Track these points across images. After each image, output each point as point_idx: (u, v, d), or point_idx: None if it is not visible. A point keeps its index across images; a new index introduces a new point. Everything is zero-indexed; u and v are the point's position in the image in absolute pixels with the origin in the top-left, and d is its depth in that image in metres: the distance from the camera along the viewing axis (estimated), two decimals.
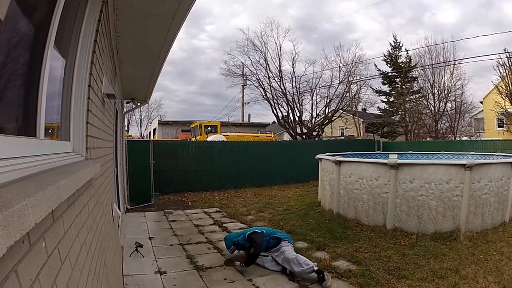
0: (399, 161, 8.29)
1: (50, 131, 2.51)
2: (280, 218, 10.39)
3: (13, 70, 1.66)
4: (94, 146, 3.34)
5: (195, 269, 6.40)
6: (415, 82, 33.93)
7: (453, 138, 29.76)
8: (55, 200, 1.33)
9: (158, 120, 42.16)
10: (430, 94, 31.55)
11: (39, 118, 1.91)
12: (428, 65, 31.52)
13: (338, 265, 6.39)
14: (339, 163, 9.90)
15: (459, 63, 30.06)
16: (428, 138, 30.29)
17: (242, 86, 36.04)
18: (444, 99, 30.83)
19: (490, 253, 6.56)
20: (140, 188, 12.92)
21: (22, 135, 1.74)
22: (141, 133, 57.80)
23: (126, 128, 55.21)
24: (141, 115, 63.89)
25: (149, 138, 43.75)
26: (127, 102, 12.51)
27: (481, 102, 37.41)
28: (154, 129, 43.04)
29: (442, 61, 30.68)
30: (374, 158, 10.70)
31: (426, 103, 31.84)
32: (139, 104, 12.37)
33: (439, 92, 30.93)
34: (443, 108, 30.92)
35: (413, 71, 33.88)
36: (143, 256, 6.95)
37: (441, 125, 31.58)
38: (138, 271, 6.24)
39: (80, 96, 2.89)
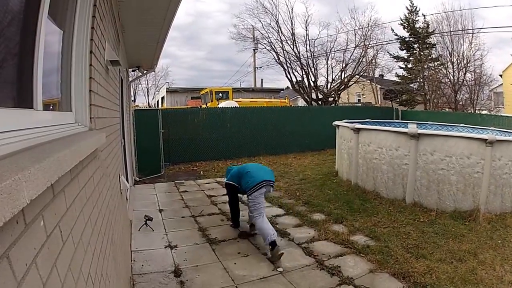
0: (420, 131, 8.17)
1: (51, 105, 2.47)
2: (297, 188, 10.41)
3: (3, 36, 1.60)
4: (98, 116, 3.30)
5: (207, 242, 6.46)
6: (434, 49, 33.26)
7: (472, 111, 29.32)
8: (54, 173, 1.27)
9: (166, 88, 42.02)
10: (449, 63, 30.95)
11: (36, 88, 1.84)
12: (446, 32, 30.77)
13: (356, 240, 6.41)
14: (357, 130, 9.80)
15: (477, 33, 29.36)
16: (446, 109, 29.87)
17: (253, 50, 35.54)
18: (464, 69, 30.23)
19: (508, 239, 6.47)
20: (149, 159, 12.97)
21: (17, 107, 1.69)
22: (148, 103, 57.67)
23: (132, 98, 55.31)
24: (147, 84, 63.61)
25: (157, 107, 43.70)
26: (133, 71, 12.41)
27: (501, 76, 36.61)
28: (162, 98, 42.96)
29: (460, 29, 30.03)
30: (393, 127, 10.58)
31: (445, 71, 31.28)
32: (145, 72, 12.28)
33: (458, 61, 30.34)
34: (463, 78, 30.38)
35: (431, 38, 33.14)
36: (153, 230, 7.03)
37: (460, 96, 31.08)
38: (147, 246, 6.31)
39: (82, 64, 2.82)
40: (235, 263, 5.59)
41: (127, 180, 9.08)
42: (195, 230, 7.15)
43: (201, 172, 13.79)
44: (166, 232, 7.00)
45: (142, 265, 5.54)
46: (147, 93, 62.41)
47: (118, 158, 5.42)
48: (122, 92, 8.88)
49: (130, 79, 13.13)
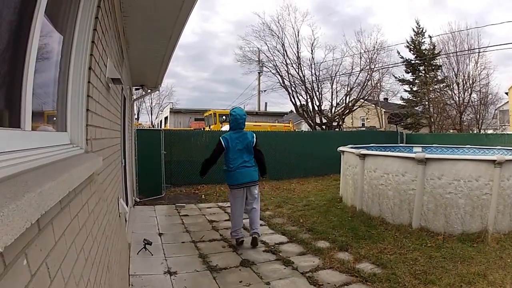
0: (428, 156, 8.00)
1: (42, 120, 2.31)
2: (300, 215, 10.16)
3: None
4: (96, 137, 3.14)
5: (208, 270, 6.22)
6: (439, 70, 33.38)
7: (477, 131, 29.22)
8: (36, 210, 1.10)
9: (170, 108, 41.88)
10: (454, 84, 31.00)
11: (25, 104, 1.65)
12: (452, 53, 30.98)
13: (362, 268, 6.16)
14: (363, 156, 9.62)
15: (483, 51, 29.49)
16: (451, 131, 29.77)
17: (258, 73, 35.65)
18: (469, 89, 30.28)
19: None
20: (150, 180, 12.78)
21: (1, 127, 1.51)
22: (151, 122, 57.75)
23: (136, 116, 55.37)
24: (151, 102, 64.03)
25: (160, 126, 43.55)
26: (136, 89, 12.29)
27: (506, 93, 36.62)
28: (166, 118, 42.80)
29: (467, 49, 30.06)
30: (398, 151, 10.41)
31: (450, 93, 31.27)
32: (149, 90, 12.18)
33: (464, 82, 30.36)
34: (468, 99, 30.35)
35: (437, 59, 33.31)
36: (152, 255, 6.80)
37: (466, 117, 31.01)
38: (146, 270, 6.09)
39: (79, 80, 2.66)
40: None
41: (127, 201, 8.91)
42: (195, 256, 6.92)
43: (203, 195, 13.57)
44: (165, 257, 6.77)
45: None
46: (151, 112, 62.75)
47: (117, 180, 5.25)
48: (125, 110, 8.74)
49: (134, 97, 12.99)
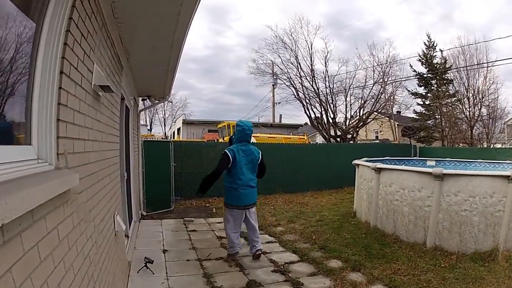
0: (445, 171, 7.59)
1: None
2: (313, 231, 9.76)
3: None
4: (75, 151, 2.79)
5: None
6: (451, 85, 33.08)
7: (487, 145, 28.81)
8: None
9: (183, 119, 41.80)
10: (465, 99, 30.65)
11: None
12: (463, 67, 30.70)
13: None
14: (379, 170, 9.22)
15: (492, 66, 29.23)
16: (461, 145, 29.32)
17: (273, 85, 35.57)
18: (479, 104, 29.92)
19: None
20: (159, 192, 12.42)
21: None
22: (165, 133, 57.79)
23: (148, 128, 55.46)
24: (164, 114, 64.29)
25: (173, 138, 43.51)
26: (143, 99, 11.99)
27: None
28: (178, 129, 42.78)
29: (476, 63, 29.80)
30: (412, 165, 9.98)
31: (461, 107, 30.93)
32: (156, 101, 11.86)
33: (474, 96, 30.02)
34: (478, 113, 29.97)
35: (448, 73, 33.09)
36: (153, 273, 6.41)
37: (475, 131, 30.64)
38: None
39: (48, 86, 2.32)
40: None
41: (131, 216, 8.61)
42: (199, 276, 6.51)
43: (213, 209, 13.23)
44: (167, 277, 6.38)
45: None
46: (164, 123, 62.93)
47: (114, 195, 4.91)
48: (128, 121, 8.45)
49: (141, 107, 12.70)
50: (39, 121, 2.27)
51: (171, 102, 61.25)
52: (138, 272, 6.37)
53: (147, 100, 11.60)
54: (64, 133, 2.52)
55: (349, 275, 6.50)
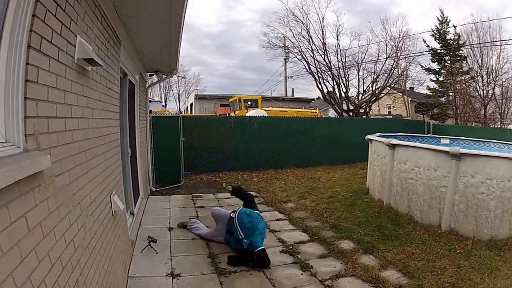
0: (462, 150, 7.18)
1: None
2: (324, 208, 9.49)
3: None
4: (50, 130, 2.51)
5: (215, 273, 5.59)
6: (464, 61, 32.38)
7: (500, 126, 28.19)
8: None
9: (195, 95, 41.67)
10: (479, 77, 29.97)
11: None
12: (476, 44, 29.95)
13: (388, 276, 5.46)
14: (393, 146, 8.87)
15: (505, 44, 28.49)
16: (474, 124, 28.76)
17: (284, 59, 35.25)
18: (492, 83, 29.22)
19: None
20: (168, 168, 12.25)
21: None
22: (179, 108, 57.89)
23: (163, 104, 55.65)
24: (179, 90, 64.35)
25: (186, 113, 43.49)
26: (151, 75, 11.68)
27: None
28: (191, 104, 42.66)
29: (489, 41, 29.07)
30: (426, 142, 9.63)
31: (475, 85, 30.28)
32: (164, 76, 11.51)
33: (488, 75, 29.34)
34: (492, 92, 29.33)
35: (462, 50, 32.39)
36: (157, 253, 6.20)
37: (490, 110, 30.00)
38: (147, 272, 5.50)
39: (12, 61, 2.06)
40: None
41: (138, 192, 8.41)
42: (204, 256, 6.29)
43: (223, 184, 12.96)
44: (171, 256, 6.17)
45: None
46: (179, 99, 63.04)
47: (111, 174, 4.64)
48: (134, 97, 8.20)
49: (148, 83, 12.39)
50: (5, 100, 2.02)
51: (184, 77, 61.49)
52: (141, 251, 6.17)
53: (155, 75, 11.28)
54: (34, 112, 2.25)
55: (361, 258, 6.24)
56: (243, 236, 5.98)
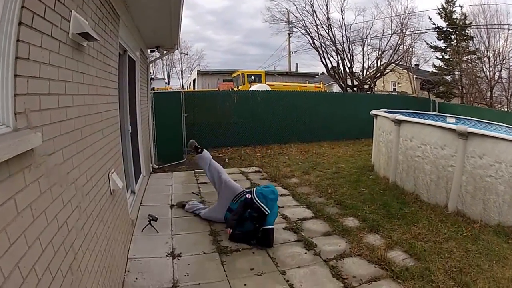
0: (470, 130, 6.97)
1: None
2: (329, 184, 9.42)
3: None
4: (43, 107, 2.39)
5: (216, 252, 5.52)
6: (471, 41, 31.95)
7: (506, 109, 27.85)
8: None
9: (197, 70, 41.49)
10: (485, 58, 29.56)
11: None
12: (483, 25, 29.51)
13: (394, 257, 5.35)
14: (399, 122, 8.72)
15: None
16: (479, 105, 28.45)
17: (288, 34, 35.32)
18: (499, 66, 28.81)
19: None
20: (170, 145, 12.19)
21: None
22: (182, 85, 57.74)
23: (166, 81, 55.65)
24: (181, 66, 64.06)
25: (189, 89, 43.31)
26: (151, 51, 11.50)
27: None
28: (194, 80, 42.47)
29: (496, 23, 28.65)
30: (431, 120, 9.47)
31: (481, 66, 29.89)
32: (165, 52, 11.30)
33: (494, 57, 28.94)
34: (498, 75, 28.96)
35: (468, 30, 31.97)
36: (157, 232, 6.14)
37: (494, 93, 29.69)
38: (147, 252, 5.43)
39: (4, 39, 1.97)
40: (245, 284, 4.61)
41: (140, 170, 8.35)
42: (205, 234, 6.22)
43: (226, 159, 13.01)
44: (172, 235, 6.10)
45: (136, 279, 4.67)
46: (182, 75, 62.86)
47: (109, 152, 4.53)
48: (134, 73, 8.06)
49: (150, 59, 12.22)
50: None
51: (187, 54, 61.28)
52: (142, 231, 6.11)
53: (156, 51, 11.09)
54: (25, 90, 2.15)
55: (366, 236, 6.15)
56: (269, 212, 5.87)
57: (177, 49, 11.07)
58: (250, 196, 6.13)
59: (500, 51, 28.80)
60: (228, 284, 4.62)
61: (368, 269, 5.04)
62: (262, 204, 5.88)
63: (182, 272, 4.86)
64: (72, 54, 3.04)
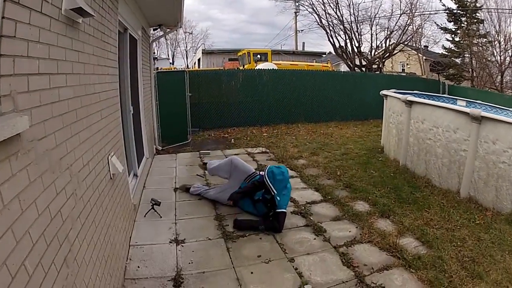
0: (483, 114, 6.73)
1: None
2: (337, 165, 9.25)
3: None
4: (31, 88, 2.21)
5: (222, 238, 5.38)
6: (481, 24, 31.50)
7: None
8: None
9: (202, 50, 41.20)
10: (496, 42, 29.13)
11: None
12: (494, 9, 29.00)
13: (405, 245, 5.19)
14: (410, 103, 8.52)
15: None
16: (489, 89, 28.11)
17: (295, 12, 35.36)
18: (510, 50, 28.40)
19: None
20: (175, 125, 12.06)
21: None
22: (187, 65, 57.43)
23: (170, 61, 55.60)
24: (186, 46, 63.77)
25: (194, 68, 43.08)
26: (154, 29, 11.25)
27: None
28: (199, 60, 42.25)
29: (507, 7, 28.16)
30: (442, 102, 9.26)
31: (492, 50, 29.48)
32: (168, 30, 11.07)
33: (505, 41, 28.51)
34: (509, 60, 28.55)
35: (479, 13, 31.40)
36: (161, 217, 6.00)
37: (504, 78, 29.31)
38: (150, 239, 5.29)
39: None
40: (251, 272, 4.49)
41: (142, 152, 8.21)
42: (211, 218, 6.07)
43: (232, 140, 12.88)
44: (175, 220, 5.96)
45: (138, 267, 4.55)
46: (186, 55, 62.66)
47: (108, 134, 4.37)
48: (136, 53, 7.88)
49: (152, 38, 11.99)
50: None
51: (191, 33, 60.96)
52: (145, 216, 5.98)
53: (159, 29, 10.85)
54: (10, 70, 1.97)
55: (377, 222, 6.00)
56: (275, 192, 5.73)
57: (181, 27, 10.81)
58: (262, 174, 6.02)
59: (511, 35, 28.52)
60: (234, 272, 4.49)
61: (380, 257, 4.89)
62: (270, 184, 5.75)
63: (186, 259, 4.74)
64: (65, 31, 2.86)
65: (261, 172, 6.20)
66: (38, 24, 2.31)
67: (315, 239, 5.39)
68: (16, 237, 1.83)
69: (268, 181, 5.78)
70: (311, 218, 6.09)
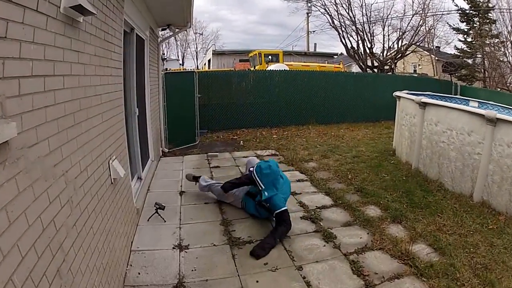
0: (499, 116, 6.56)
1: None
2: (348, 169, 9.13)
3: None
4: (23, 92, 2.11)
5: (227, 244, 5.27)
6: (494, 25, 31.30)
7: None
8: None
9: (213, 50, 41.34)
10: (508, 42, 28.90)
11: None
12: (506, 9, 28.80)
13: (417, 251, 5.06)
14: (424, 105, 8.36)
15: None
16: (501, 90, 27.85)
17: (307, 13, 35.36)
18: None
19: None
20: (183, 127, 11.99)
21: None
22: (197, 66, 57.74)
23: (180, 62, 55.76)
24: (196, 47, 64.13)
25: (203, 69, 43.19)
26: (162, 29, 11.19)
27: None
28: (209, 60, 42.37)
29: None
30: (456, 104, 9.12)
31: (504, 50, 29.24)
32: (177, 30, 10.97)
33: None
34: None
35: (491, 13, 31.31)
36: (164, 221, 5.91)
37: None
38: (152, 244, 5.20)
39: None
40: (257, 281, 4.36)
41: (146, 155, 8.13)
42: (216, 223, 5.97)
43: (241, 141, 12.79)
44: (180, 225, 5.86)
45: (139, 274, 4.45)
46: (196, 56, 63.04)
47: (110, 138, 4.27)
48: (143, 53, 7.81)
49: (160, 38, 11.92)
50: None
51: (202, 34, 61.24)
52: (148, 220, 5.89)
53: (167, 29, 10.78)
54: (6, 72, 1.89)
55: (389, 227, 5.87)
56: (263, 187, 5.66)
57: (190, 27, 10.74)
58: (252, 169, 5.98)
59: None
60: (239, 281, 4.38)
61: (391, 265, 4.76)
62: (258, 179, 5.74)
63: (189, 266, 4.63)
64: (64, 31, 2.76)
65: (250, 168, 6.15)
66: (32, 23, 2.22)
67: (324, 246, 5.26)
68: (2, 252, 1.73)
69: (256, 176, 5.76)
70: (321, 224, 5.97)
